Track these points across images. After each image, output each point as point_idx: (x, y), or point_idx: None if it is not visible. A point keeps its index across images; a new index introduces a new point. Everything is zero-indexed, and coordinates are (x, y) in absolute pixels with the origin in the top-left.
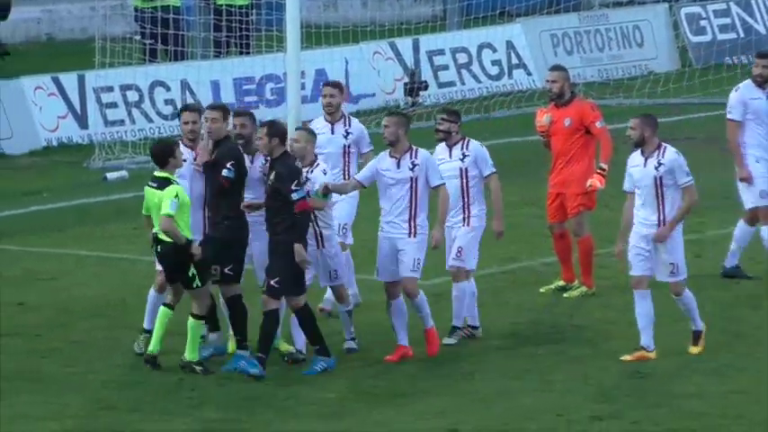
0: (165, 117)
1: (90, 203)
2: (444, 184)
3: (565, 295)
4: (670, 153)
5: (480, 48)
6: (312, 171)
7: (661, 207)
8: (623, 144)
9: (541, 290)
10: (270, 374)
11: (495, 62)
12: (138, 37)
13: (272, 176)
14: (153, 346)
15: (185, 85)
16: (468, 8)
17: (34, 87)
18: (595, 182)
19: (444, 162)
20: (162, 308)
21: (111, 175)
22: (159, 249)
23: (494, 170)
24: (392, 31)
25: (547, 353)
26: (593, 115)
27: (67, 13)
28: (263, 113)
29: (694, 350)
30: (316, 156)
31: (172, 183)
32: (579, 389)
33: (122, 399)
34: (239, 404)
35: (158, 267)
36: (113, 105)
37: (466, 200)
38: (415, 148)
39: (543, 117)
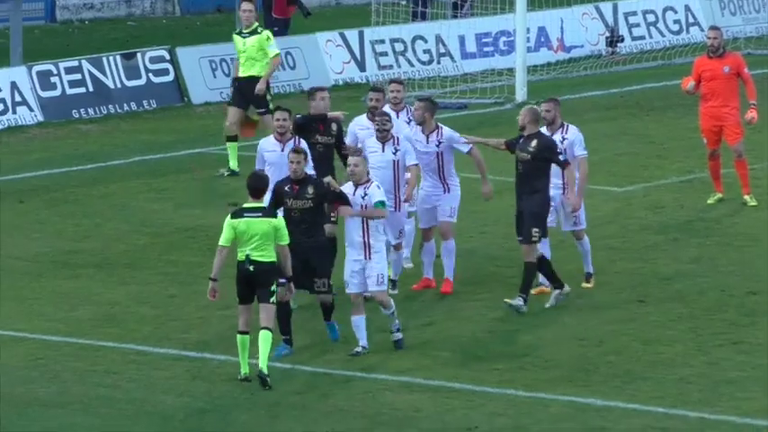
0: (423, 63)
1: None
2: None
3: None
4: (573, 130)
5: (665, 10)
6: (369, 188)
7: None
8: None
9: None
10: None
11: (676, 21)
12: (404, 2)
13: (310, 191)
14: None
15: (439, 39)
16: None
17: (326, 40)
18: (754, 114)
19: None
20: (242, 337)
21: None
22: (253, 269)
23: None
24: None
25: (711, 243)
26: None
27: None
28: (497, 61)
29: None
30: (368, 173)
31: (275, 213)
32: (740, 271)
33: None
34: None
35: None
36: (384, 54)
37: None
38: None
39: (688, 84)
